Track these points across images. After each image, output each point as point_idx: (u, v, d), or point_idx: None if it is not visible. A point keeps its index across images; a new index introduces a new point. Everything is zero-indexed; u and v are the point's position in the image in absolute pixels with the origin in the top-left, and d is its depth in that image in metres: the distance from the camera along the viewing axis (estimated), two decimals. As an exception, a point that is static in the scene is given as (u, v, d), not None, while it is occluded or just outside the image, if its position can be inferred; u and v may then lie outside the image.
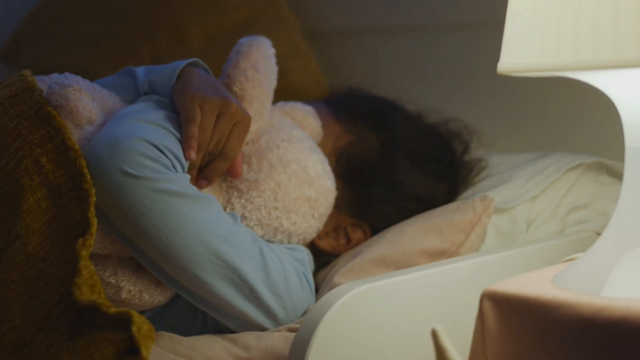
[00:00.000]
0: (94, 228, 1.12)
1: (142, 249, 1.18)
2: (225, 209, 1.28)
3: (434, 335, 0.98)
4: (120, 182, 1.15)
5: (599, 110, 1.58)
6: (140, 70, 1.35)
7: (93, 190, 1.14)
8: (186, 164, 1.22)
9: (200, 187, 1.25)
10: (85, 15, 2.01)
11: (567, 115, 1.71)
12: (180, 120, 1.23)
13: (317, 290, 1.36)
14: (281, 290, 1.24)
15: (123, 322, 1.06)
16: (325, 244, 1.44)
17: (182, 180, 1.19)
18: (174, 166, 1.19)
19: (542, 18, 0.96)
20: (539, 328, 0.98)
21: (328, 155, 1.45)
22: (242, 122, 1.26)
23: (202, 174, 1.26)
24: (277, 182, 1.31)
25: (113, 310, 1.07)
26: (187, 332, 1.26)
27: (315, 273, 1.41)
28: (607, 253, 1.02)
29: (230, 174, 1.29)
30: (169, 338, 1.22)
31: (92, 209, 1.12)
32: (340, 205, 1.43)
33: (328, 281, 1.34)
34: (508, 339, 1.01)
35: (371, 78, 1.65)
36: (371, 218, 1.45)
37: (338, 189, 1.42)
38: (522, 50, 0.98)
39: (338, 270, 1.35)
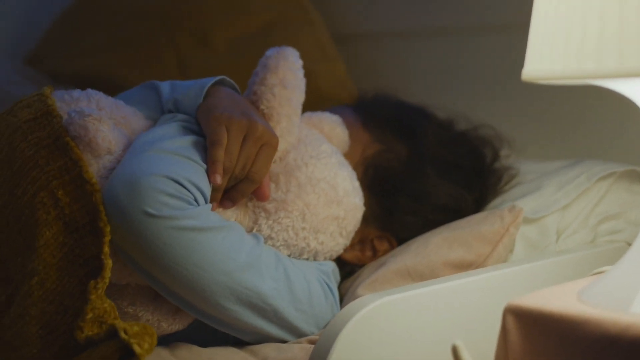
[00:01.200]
0: (108, 271, 1.10)
1: (164, 282, 1.16)
2: (251, 230, 1.25)
3: (454, 351, 0.96)
4: (140, 222, 1.12)
5: (632, 118, 1.54)
6: (165, 86, 1.32)
7: (108, 229, 1.12)
8: (210, 188, 1.19)
9: (224, 207, 1.22)
10: (110, 19, 2.02)
11: (599, 122, 1.68)
12: (205, 144, 1.20)
13: (341, 301, 1.34)
14: (305, 307, 1.22)
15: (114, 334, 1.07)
16: (350, 256, 1.42)
17: (203, 214, 1.15)
18: (196, 199, 1.15)
19: (566, 24, 0.93)
20: (563, 345, 0.95)
21: (356, 164, 1.42)
22: (269, 144, 1.22)
23: (227, 196, 1.22)
24: (305, 203, 1.27)
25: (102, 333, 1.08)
26: (205, 343, 1.24)
27: (340, 283, 1.38)
28: (636, 267, 0.99)
29: (257, 197, 1.25)
30: (187, 349, 1.20)
31: (107, 249, 1.11)
32: (366, 217, 1.40)
33: (352, 292, 1.32)
34: (531, 355, 0.98)
35: (399, 82, 1.62)
36: (398, 230, 1.43)
37: (365, 200, 1.39)
38: (546, 57, 0.95)
39: (362, 281, 1.32)
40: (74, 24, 2.03)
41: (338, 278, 1.35)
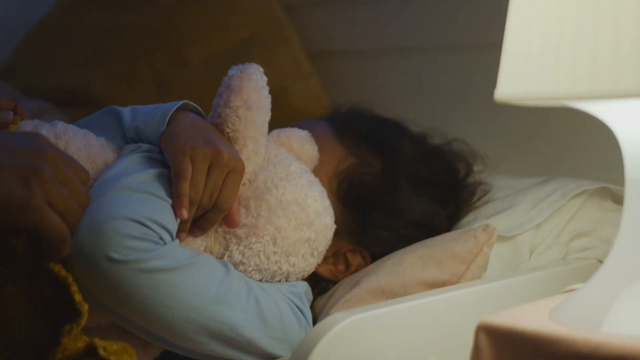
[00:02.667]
0: (84, 317, 1.07)
1: (134, 321, 1.15)
2: (222, 256, 1.24)
3: (428, 369, 0.97)
4: (106, 268, 1.10)
5: (602, 134, 1.56)
6: (126, 112, 1.29)
7: (70, 279, 1.08)
8: (177, 222, 1.17)
9: (194, 236, 1.21)
10: (85, 34, 2.01)
11: (570, 138, 1.69)
12: (170, 175, 1.19)
13: (315, 320, 1.34)
14: (278, 334, 1.21)
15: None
16: (324, 270, 1.41)
17: (169, 253, 1.14)
18: (161, 237, 1.14)
19: (539, 46, 0.93)
20: (535, 363, 0.96)
21: (330, 177, 1.42)
22: (236, 170, 1.20)
23: (196, 225, 1.21)
24: (276, 227, 1.26)
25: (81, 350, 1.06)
26: None
27: (314, 301, 1.38)
28: (606, 286, 0.99)
29: (227, 224, 1.23)
30: None
31: (78, 297, 1.07)
32: (339, 231, 1.39)
33: (326, 313, 1.32)
34: (503, 374, 0.99)
35: (372, 98, 1.62)
36: (371, 244, 1.42)
37: (338, 214, 1.39)
38: (519, 78, 0.95)
39: (336, 301, 1.32)
40: (47, 37, 2.03)
41: (310, 297, 1.35)
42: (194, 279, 1.14)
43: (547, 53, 0.93)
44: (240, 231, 1.24)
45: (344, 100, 1.66)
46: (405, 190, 1.44)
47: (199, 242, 1.22)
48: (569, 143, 1.70)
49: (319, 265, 1.39)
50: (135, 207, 1.13)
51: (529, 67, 0.94)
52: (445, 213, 1.46)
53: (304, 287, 1.32)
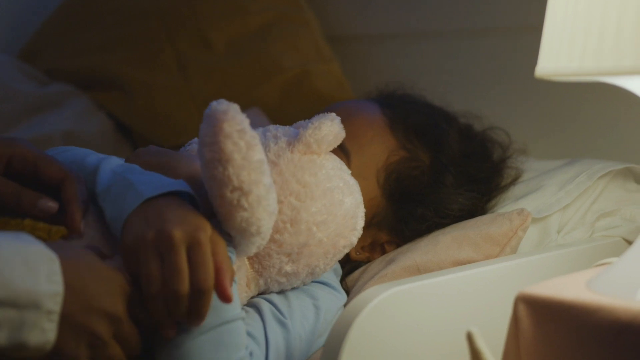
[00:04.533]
0: None
1: None
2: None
3: (470, 338, 0.98)
4: None
5: (626, 116, 1.59)
6: (103, 174, 1.17)
7: None
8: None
9: (195, 325, 1.08)
10: (108, 17, 2.02)
11: (594, 121, 1.72)
12: None
13: (348, 293, 1.36)
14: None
15: None
16: (360, 257, 1.43)
17: None
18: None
19: (583, 21, 0.96)
20: (575, 332, 0.98)
21: (379, 170, 1.41)
22: (198, 243, 1.05)
23: (190, 316, 1.07)
24: (316, 263, 1.24)
25: None
26: None
27: (347, 276, 1.41)
28: (641, 258, 1.02)
29: (220, 299, 1.07)
30: None
31: None
32: (380, 222, 1.41)
33: (359, 287, 1.34)
34: (543, 343, 1.01)
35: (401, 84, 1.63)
36: (409, 237, 1.43)
37: (381, 206, 1.41)
38: (562, 53, 0.97)
39: (371, 277, 1.34)
40: (69, 19, 2.04)
41: (340, 272, 1.37)
42: None
43: (589, 28, 0.95)
44: (282, 279, 1.22)
45: (364, 86, 1.66)
46: (451, 186, 1.44)
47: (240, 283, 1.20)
48: (593, 126, 1.72)
49: (356, 252, 1.41)
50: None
51: (571, 42, 0.96)
52: (482, 202, 1.47)
53: (330, 285, 1.32)
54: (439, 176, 1.43)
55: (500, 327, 1.11)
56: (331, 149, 1.23)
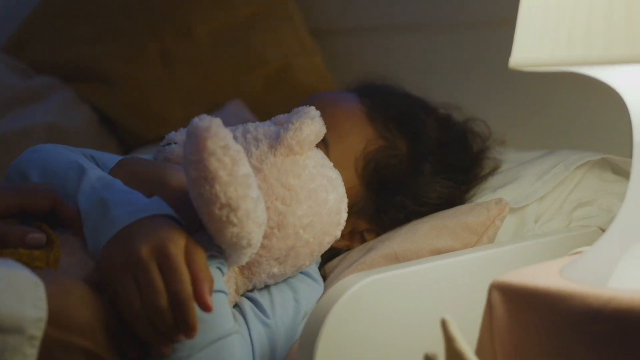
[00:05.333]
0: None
1: None
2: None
3: (444, 325, 0.99)
4: None
5: (604, 107, 1.60)
6: (82, 191, 1.17)
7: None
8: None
9: (190, 337, 1.08)
10: (91, 10, 2.02)
11: (572, 112, 1.73)
12: None
13: (326, 279, 1.38)
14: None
15: None
16: (339, 244, 1.44)
17: None
18: None
19: (555, 13, 0.97)
20: (548, 318, 1.00)
21: (357, 158, 1.42)
22: (166, 257, 1.05)
23: (180, 330, 1.07)
24: (303, 262, 1.26)
25: None
26: None
27: (326, 264, 1.42)
28: (614, 246, 1.04)
29: (202, 308, 1.07)
30: None
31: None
32: (359, 211, 1.42)
33: (337, 275, 1.35)
34: (516, 330, 1.03)
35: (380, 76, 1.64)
36: (388, 225, 1.44)
37: (360, 195, 1.42)
38: (535, 44, 0.99)
39: (350, 264, 1.35)
40: (54, 12, 2.04)
41: (318, 260, 1.38)
42: None
43: (561, 19, 0.96)
44: (270, 281, 1.23)
45: (347, 79, 1.67)
46: (429, 174, 1.45)
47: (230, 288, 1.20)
48: (568, 116, 1.74)
49: (335, 241, 1.43)
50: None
51: (543, 33, 0.98)
52: (460, 192, 1.49)
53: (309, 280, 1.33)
54: (417, 165, 1.45)
55: (477, 315, 1.12)
56: (313, 146, 1.23)
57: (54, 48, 1.99)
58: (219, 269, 1.13)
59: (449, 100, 1.58)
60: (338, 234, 1.26)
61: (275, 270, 1.22)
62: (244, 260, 1.14)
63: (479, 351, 1.07)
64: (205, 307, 1.06)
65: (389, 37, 2.00)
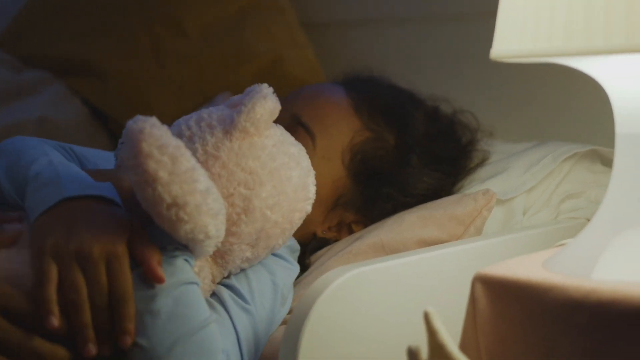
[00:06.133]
0: None
1: None
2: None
3: (426, 317, 0.99)
4: None
5: (590, 98, 1.60)
6: (38, 162, 1.17)
7: None
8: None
9: (125, 345, 1.07)
10: (83, 5, 2.02)
11: (558, 103, 1.73)
12: None
13: (308, 267, 1.37)
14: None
15: None
16: (328, 236, 1.45)
17: None
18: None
19: (535, 4, 0.97)
20: (530, 310, 0.99)
21: (344, 150, 1.42)
22: (115, 256, 1.07)
23: (117, 331, 1.07)
24: (276, 241, 1.23)
25: None
26: None
27: (314, 254, 1.42)
28: (596, 237, 1.03)
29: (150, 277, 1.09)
30: None
31: None
32: (347, 203, 1.43)
33: (322, 262, 1.35)
34: (499, 322, 1.03)
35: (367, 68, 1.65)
36: (376, 217, 1.44)
37: (347, 187, 1.42)
38: (515, 36, 0.99)
39: (336, 253, 1.35)
40: (46, 6, 2.04)
41: (298, 247, 1.36)
42: None
43: (541, 11, 0.96)
44: (245, 264, 1.22)
45: (339, 71, 1.67)
46: (416, 166, 1.45)
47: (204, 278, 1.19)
48: (559, 108, 1.74)
49: (323, 232, 1.42)
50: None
51: (523, 25, 0.98)
52: (449, 183, 1.48)
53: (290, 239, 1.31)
54: (403, 156, 1.45)
55: (461, 307, 1.12)
56: (270, 125, 1.19)
57: (46, 42, 1.99)
58: (186, 260, 1.13)
59: (438, 93, 1.58)
60: (308, 208, 1.22)
61: (249, 254, 1.20)
62: (210, 250, 1.13)
63: (463, 344, 1.07)
64: (158, 279, 1.07)
65: (379, 30, 2.00)
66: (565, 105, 1.72)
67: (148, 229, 1.11)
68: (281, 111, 1.34)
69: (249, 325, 1.19)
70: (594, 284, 0.96)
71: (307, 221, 1.29)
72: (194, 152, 1.14)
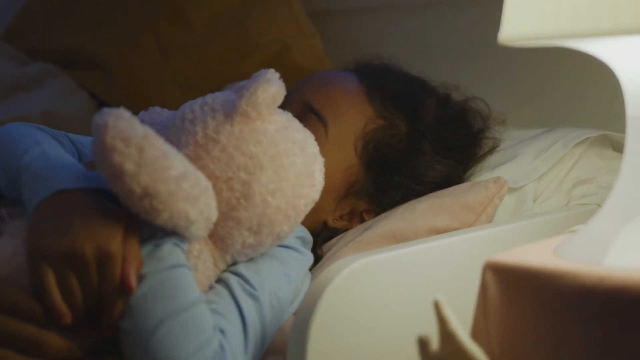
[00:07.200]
0: None
1: None
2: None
3: (436, 306, 0.98)
4: None
5: (604, 84, 1.58)
6: (31, 152, 1.16)
7: None
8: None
9: (102, 336, 1.09)
10: (88, -2, 2.02)
11: (570, 89, 1.71)
12: None
13: (321, 258, 1.36)
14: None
15: None
16: (338, 225, 1.44)
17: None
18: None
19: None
20: (541, 297, 0.98)
21: (356, 138, 1.41)
22: (107, 260, 1.07)
23: (102, 326, 1.09)
24: (280, 226, 1.20)
25: None
26: None
27: (325, 244, 1.41)
28: (608, 223, 1.02)
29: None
30: None
31: None
32: (358, 191, 1.42)
33: (333, 253, 1.34)
34: (510, 309, 1.01)
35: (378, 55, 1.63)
36: (387, 205, 1.43)
37: (360, 175, 1.41)
38: (522, 19, 0.97)
39: (347, 243, 1.34)
40: (51, 1, 2.03)
41: (311, 238, 1.35)
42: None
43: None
44: (248, 251, 1.20)
45: (345, 61, 1.66)
46: (428, 153, 1.44)
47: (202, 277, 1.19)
48: (572, 95, 1.72)
49: (334, 221, 1.41)
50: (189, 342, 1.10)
51: (530, 8, 0.96)
52: (460, 170, 1.47)
53: (302, 230, 1.30)
54: (416, 143, 1.44)
55: (472, 295, 1.11)
56: (273, 110, 1.17)
57: (51, 36, 1.99)
58: (177, 245, 1.12)
59: (448, 80, 1.56)
60: (315, 195, 1.21)
61: (251, 240, 1.18)
62: (201, 233, 1.12)
63: (473, 332, 1.06)
64: (128, 289, 1.07)
65: (386, 17, 1.98)
66: (577, 92, 1.71)
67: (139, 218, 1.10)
68: (292, 98, 1.34)
69: (255, 312, 1.18)
70: (606, 270, 0.95)
71: (319, 209, 1.29)
72: (194, 135, 1.14)
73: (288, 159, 1.17)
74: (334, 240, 1.41)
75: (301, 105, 1.40)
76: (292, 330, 1.08)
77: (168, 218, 1.06)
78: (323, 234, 1.42)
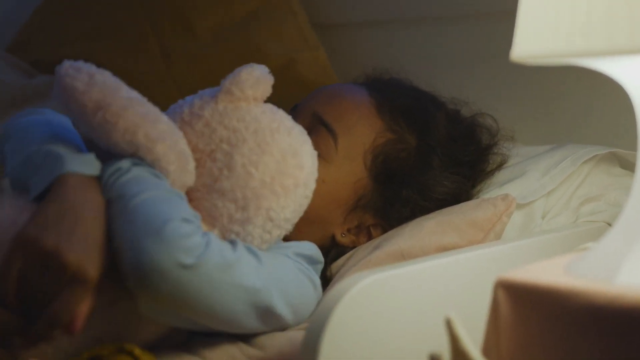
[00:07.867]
0: None
1: (189, 317, 1.14)
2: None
3: (448, 324, 0.98)
4: (181, 276, 1.08)
5: (611, 101, 1.58)
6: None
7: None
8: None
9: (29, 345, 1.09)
10: (93, 6, 2.02)
11: (578, 106, 1.71)
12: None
13: (329, 281, 1.36)
14: (297, 304, 1.22)
15: None
16: (345, 241, 1.43)
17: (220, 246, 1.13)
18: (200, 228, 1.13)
19: (555, 3, 0.95)
20: (553, 316, 0.98)
21: (366, 151, 1.41)
22: (79, 280, 1.06)
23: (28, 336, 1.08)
24: (267, 207, 1.22)
25: None
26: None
27: (332, 263, 1.40)
28: (620, 241, 1.02)
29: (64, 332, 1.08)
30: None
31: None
32: (366, 205, 1.41)
33: (344, 273, 1.34)
34: (521, 328, 1.01)
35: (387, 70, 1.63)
36: (394, 220, 1.43)
37: (368, 189, 1.41)
38: (535, 37, 0.97)
39: (356, 263, 1.34)
40: (56, 11, 2.04)
41: (321, 259, 1.35)
42: (238, 276, 1.14)
43: (562, 10, 0.95)
44: (236, 227, 1.20)
45: (350, 74, 1.66)
46: (437, 168, 1.44)
47: None
48: (581, 111, 1.72)
49: (342, 235, 1.41)
50: (172, 208, 1.12)
51: (544, 25, 0.96)
52: (468, 187, 1.47)
53: (312, 249, 1.31)
54: (425, 158, 1.44)
55: (483, 313, 1.10)
56: (258, 94, 1.23)
57: (55, 45, 1.99)
58: (156, 176, 1.16)
59: (456, 95, 1.56)
60: (306, 179, 1.23)
61: (238, 215, 1.20)
62: (175, 171, 1.15)
63: (485, 350, 1.06)
64: (71, 326, 1.06)
65: (393, 31, 1.98)
66: (585, 108, 1.70)
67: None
68: (302, 110, 1.35)
69: (254, 260, 1.18)
70: (618, 289, 0.94)
71: (327, 222, 1.32)
72: (181, 114, 1.23)
73: (272, 135, 1.22)
74: (342, 260, 1.40)
75: (311, 117, 1.41)
76: (302, 345, 1.08)
77: (122, 132, 1.12)
78: (332, 253, 1.41)
